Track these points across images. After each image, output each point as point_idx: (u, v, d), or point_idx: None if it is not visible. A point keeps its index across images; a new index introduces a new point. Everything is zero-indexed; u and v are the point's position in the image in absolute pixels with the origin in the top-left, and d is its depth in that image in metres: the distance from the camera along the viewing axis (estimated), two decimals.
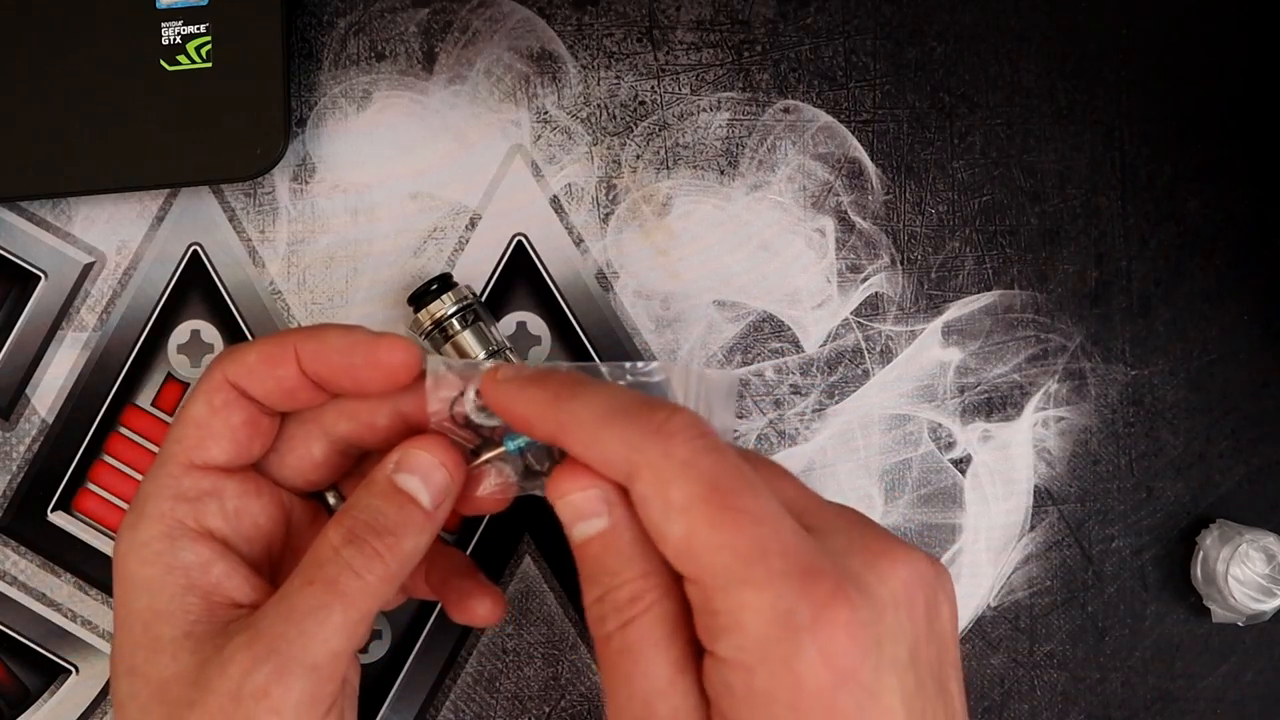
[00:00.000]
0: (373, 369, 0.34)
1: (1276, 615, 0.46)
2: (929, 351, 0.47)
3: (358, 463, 0.39)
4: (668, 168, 0.47)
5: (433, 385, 0.35)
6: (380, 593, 0.33)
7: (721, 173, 0.47)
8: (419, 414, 0.36)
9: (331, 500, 0.39)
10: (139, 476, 0.47)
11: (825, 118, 0.48)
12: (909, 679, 0.28)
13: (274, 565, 0.38)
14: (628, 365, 0.34)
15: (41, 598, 0.46)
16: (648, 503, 0.29)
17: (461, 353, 0.44)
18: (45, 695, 0.46)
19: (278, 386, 0.35)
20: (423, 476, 0.34)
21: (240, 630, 0.32)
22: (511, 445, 0.35)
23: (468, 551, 0.46)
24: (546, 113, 0.48)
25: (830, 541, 0.29)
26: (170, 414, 0.47)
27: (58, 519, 0.47)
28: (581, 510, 0.31)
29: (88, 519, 0.47)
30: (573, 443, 0.31)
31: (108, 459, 0.47)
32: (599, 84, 0.48)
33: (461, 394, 0.35)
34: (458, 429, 0.35)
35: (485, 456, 0.35)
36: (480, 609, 0.39)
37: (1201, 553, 0.47)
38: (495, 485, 0.36)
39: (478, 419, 0.35)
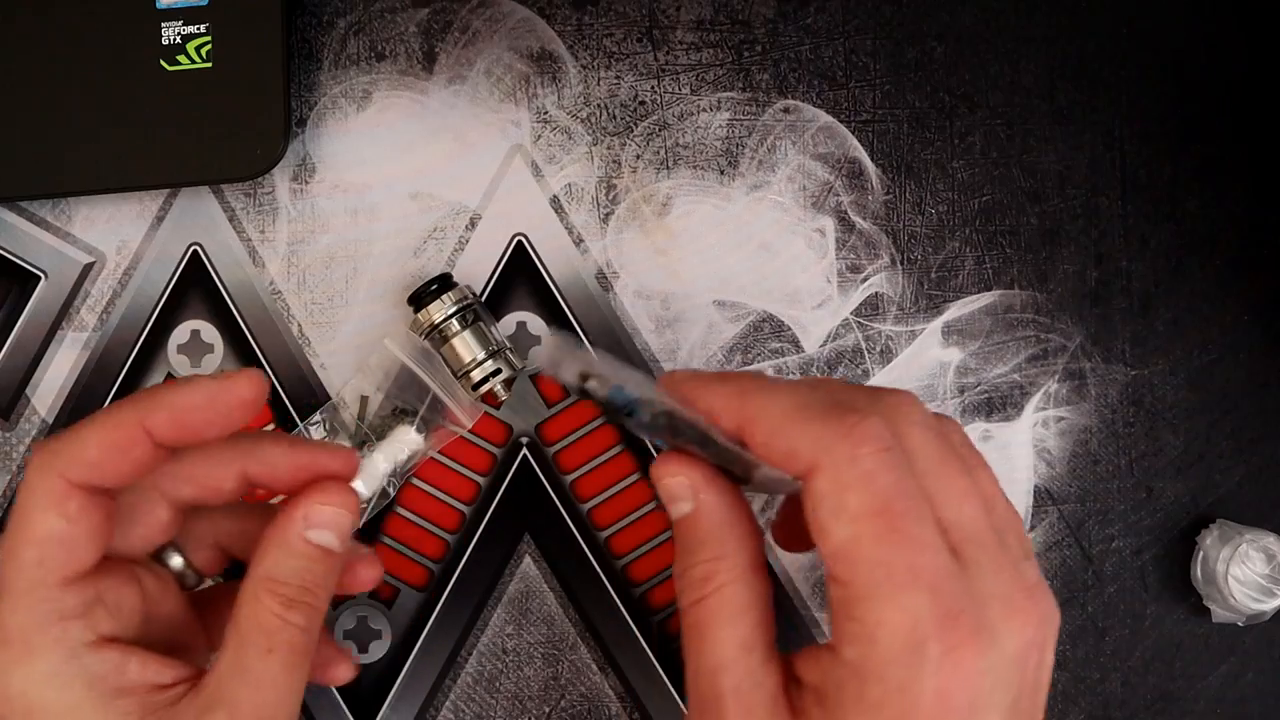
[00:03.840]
0: (236, 411, 0.34)
1: (1276, 615, 0.46)
2: (929, 351, 0.47)
3: (190, 517, 0.38)
4: (668, 168, 0.47)
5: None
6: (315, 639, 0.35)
7: (721, 173, 0.47)
8: (263, 474, 0.36)
9: (174, 562, 0.38)
10: None
11: (825, 118, 0.48)
12: None
13: (149, 634, 0.36)
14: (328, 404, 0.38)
15: None
16: (822, 500, 0.30)
17: (461, 353, 0.44)
18: None
19: (132, 470, 0.34)
20: (332, 528, 0.35)
21: (208, 710, 0.33)
22: (619, 397, 0.33)
23: (469, 550, 0.46)
24: (546, 113, 0.48)
25: (978, 581, 0.30)
26: None
27: None
28: (673, 494, 0.34)
29: None
30: (758, 432, 0.32)
31: None
32: (599, 84, 0.48)
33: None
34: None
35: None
36: (339, 671, 0.40)
37: (1201, 553, 0.47)
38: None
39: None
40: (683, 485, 0.33)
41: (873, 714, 0.29)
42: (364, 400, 0.44)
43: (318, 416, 0.45)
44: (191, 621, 0.39)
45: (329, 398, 0.47)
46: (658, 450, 0.37)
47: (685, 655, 0.32)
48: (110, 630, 0.34)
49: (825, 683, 0.30)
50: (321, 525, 0.35)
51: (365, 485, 0.42)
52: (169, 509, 0.37)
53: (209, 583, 0.41)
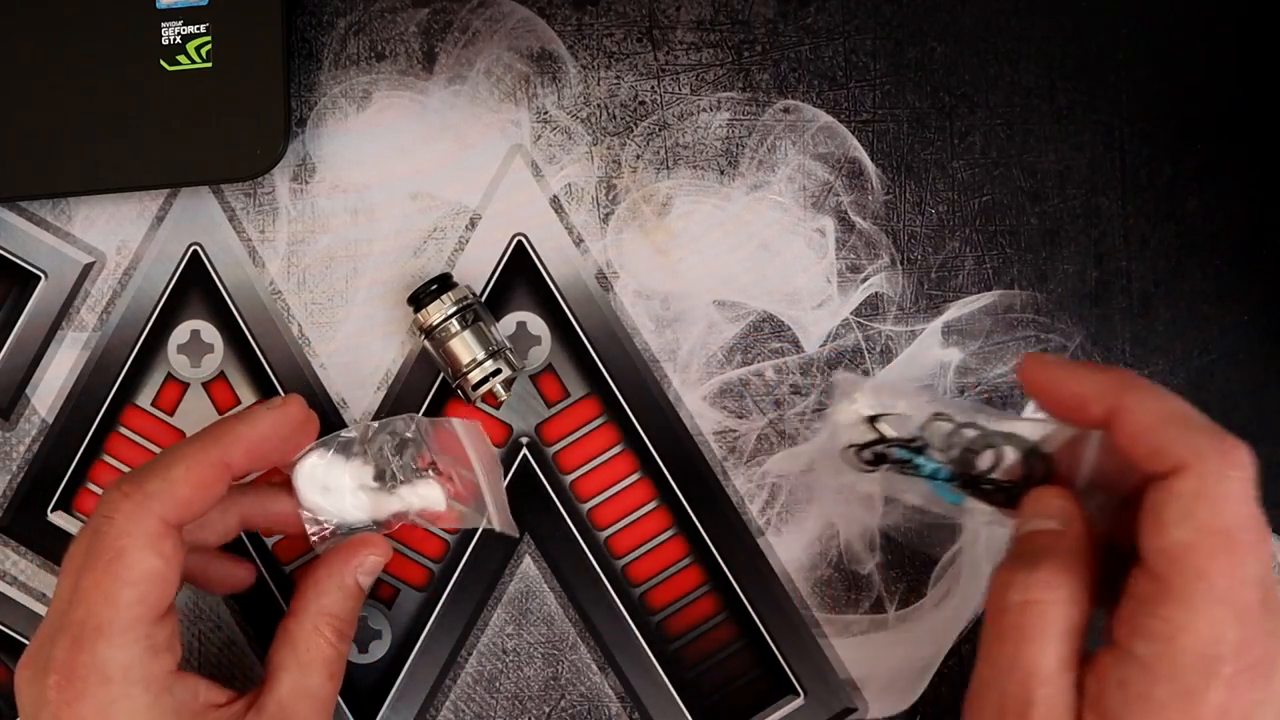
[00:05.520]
0: (296, 435, 0.40)
1: None
2: (929, 351, 0.47)
3: None
4: (668, 168, 0.47)
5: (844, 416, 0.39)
6: None
7: (721, 173, 0.47)
8: (260, 518, 0.42)
9: None
10: None
11: (825, 118, 0.48)
12: None
13: None
14: (380, 423, 0.42)
15: (41, 598, 0.46)
16: (1175, 499, 0.32)
17: (461, 353, 0.44)
18: None
19: (212, 503, 0.38)
20: (374, 573, 0.42)
21: None
22: (927, 466, 0.38)
23: (469, 550, 0.46)
24: (546, 113, 0.48)
25: (1271, 622, 0.32)
26: (171, 414, 0.47)
27: (58, 519, 0.47)
28: (1050, 512, 0.36)
29: (88, 519, 0.47)
30: (1132, 423, 0.34)
31: (108, 459, 0.47)
32: (599, 84, 0.48)
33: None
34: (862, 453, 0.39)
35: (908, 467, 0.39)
36: (240, 576, 0.44)
37: None
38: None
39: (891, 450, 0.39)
40: (1064, 508, 0.36)
41: (1156, 714, 0.31)
42: (405, 440, 0.43)
43: (354, 433, 0.43)
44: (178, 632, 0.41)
45: (329, 398, 0.47)
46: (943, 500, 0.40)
47: (992, 649, 0.34)
48: (179, 651, 0.37)
49: (1104, 684, 0.32)
50: (369, 571, 0.41)
51: (374, 514, 0.43)
52: (236, 527, 0.42)
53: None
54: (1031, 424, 0.37)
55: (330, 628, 0.40)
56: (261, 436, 0.38)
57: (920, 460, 0.39)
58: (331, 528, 0.42)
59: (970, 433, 0.38)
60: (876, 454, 0.39)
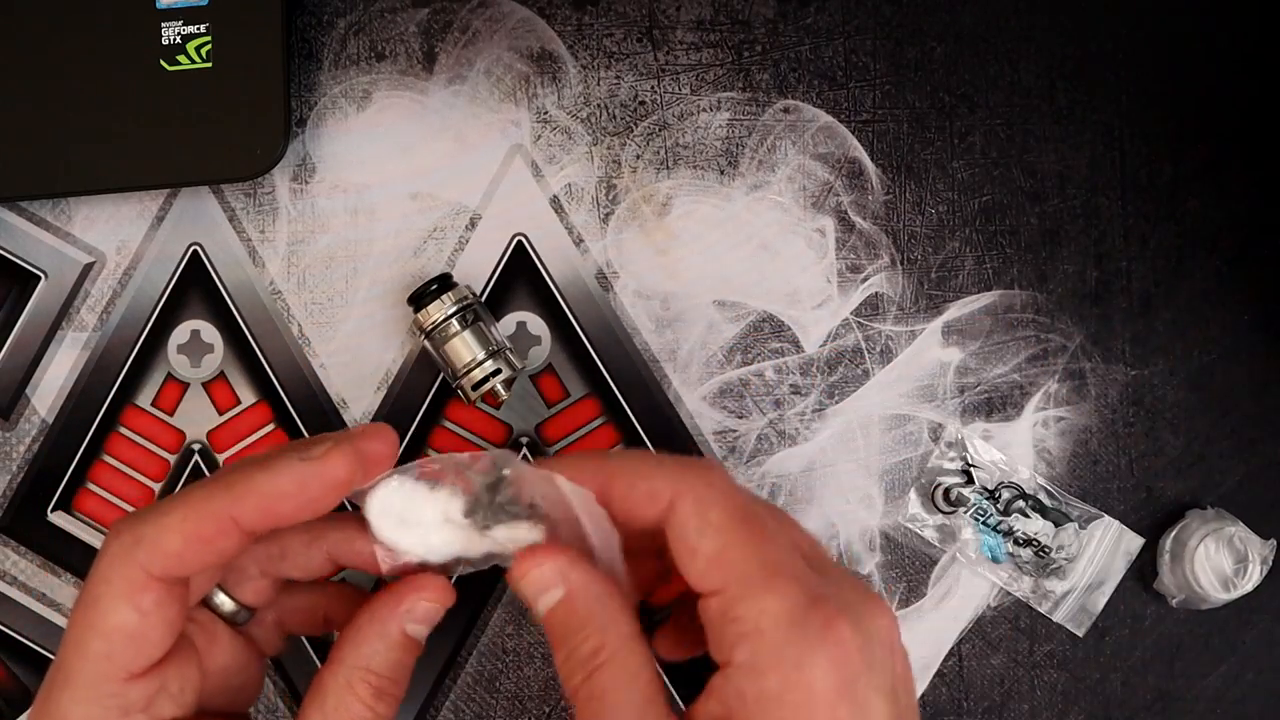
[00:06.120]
0: (327, 495, 0.33)
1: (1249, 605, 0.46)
2: (929, 351, 0.47)
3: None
4: (668, 168, 0.47)
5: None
6: None
7: (721, 173, 0.47)
8: (349, 556, 0.36)
9: (223, 604, 0.36)
10: (139, 477, 0.47)
11: (825, 118, 0.48)
12: (892, 709, 0.31)
13: (206, 689, 0.35)
14: (469, 455, 0.37)
15: (41, 598, 0.46)
16: (687, 522, 0.32)
17: (461, 353, 0.44)
18: None
19: (216, 559, 0.33)
20: (429, 622, 0.35)
21: None
22: (994, 518, 0.46)
23: None
24: (546, 113, 0.48)
25: (831, 582, 0.32)
26: (171, 414, 0.47)
27: (58, 519, 0.47)
28: (542, 584, 0.33)
29: (88, 519, 0.47)
30: (619, 485, 0.33)
31: (108, 459, 0.47)
32: (599, 84, 0.48)
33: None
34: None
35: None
36: None
37: (1173, 534, 0.47)
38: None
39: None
40: (552, 571, 0.33)
41: (777, 706, 0.29)
42: (501, 479, 0.38)
43: (437, 464, 0.38)
44: (248, 659, 0.37)
45: (329, 398, 0.46)
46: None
47: None
48: (172, 713, 0.33)
49: (728, 707, 0.30)
50: (421, 620, 0.35)
51: (464, 553, 0.37)
52: (268, 583, 0.36)
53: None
54: (1026, 520, 0.46)
55: (366, 685, 0.34)
56: (281, 493, 0.32)
57: (991, 509, 0.47)
58: (415, 563, 0.36)
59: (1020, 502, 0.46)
60: (960, 496, 0.46)
